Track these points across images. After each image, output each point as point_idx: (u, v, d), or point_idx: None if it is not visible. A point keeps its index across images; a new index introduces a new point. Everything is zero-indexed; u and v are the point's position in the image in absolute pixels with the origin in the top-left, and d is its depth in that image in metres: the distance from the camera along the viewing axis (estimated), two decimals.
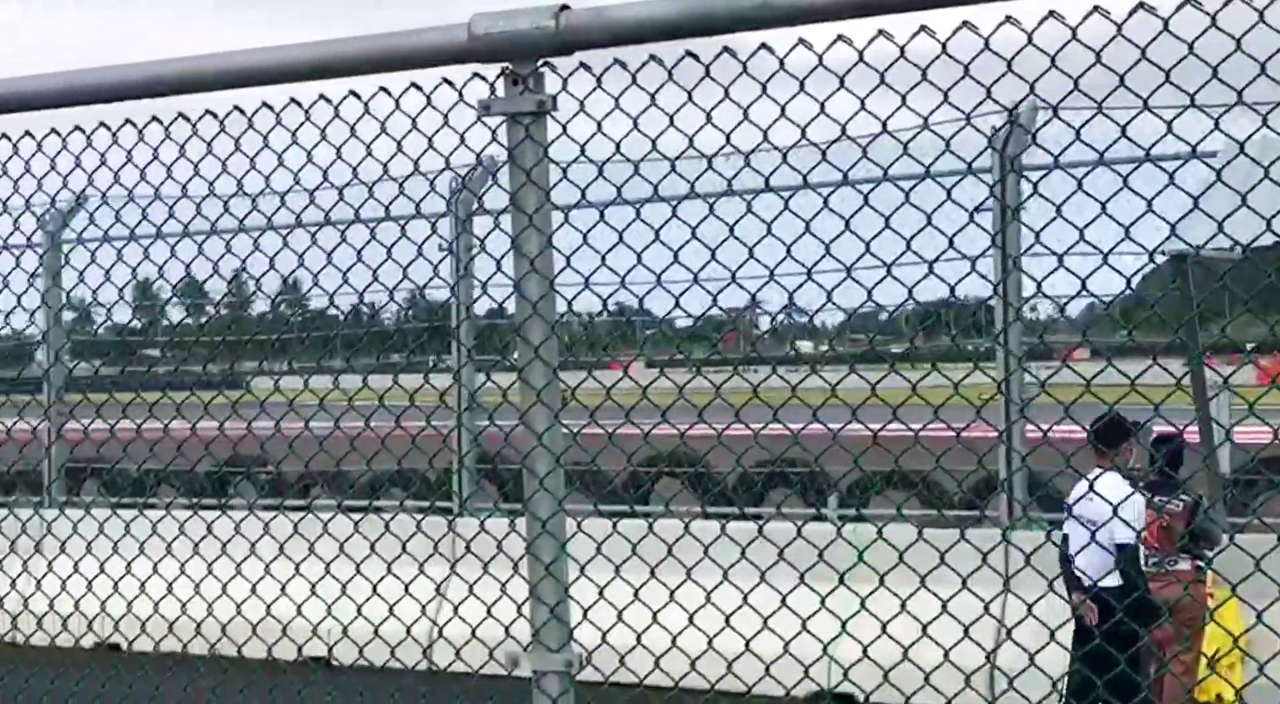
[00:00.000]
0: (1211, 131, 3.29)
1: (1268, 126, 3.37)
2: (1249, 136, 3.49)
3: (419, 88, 3.87)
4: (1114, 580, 8.24)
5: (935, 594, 3.68)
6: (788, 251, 3.66)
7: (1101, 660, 6.88)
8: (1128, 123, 3.31)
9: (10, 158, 4.51)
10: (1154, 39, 3.17)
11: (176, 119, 4.23)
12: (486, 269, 4.17)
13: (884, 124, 3.45)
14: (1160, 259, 3.38)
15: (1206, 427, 10.56)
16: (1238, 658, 8.65)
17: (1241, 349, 12.18)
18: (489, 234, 4.12)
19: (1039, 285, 3.53)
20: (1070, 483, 8.08)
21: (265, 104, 4.07)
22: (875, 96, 3.48)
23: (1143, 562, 8.77)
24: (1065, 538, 8.58)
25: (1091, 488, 7.50)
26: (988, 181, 9.29)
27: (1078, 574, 8.45)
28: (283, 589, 4.57)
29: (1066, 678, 7.92)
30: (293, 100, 4.03)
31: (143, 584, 4.82)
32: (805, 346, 17.01)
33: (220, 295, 5.64)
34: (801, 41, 3.39)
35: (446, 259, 9.23)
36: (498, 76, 3.64)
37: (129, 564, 4.94)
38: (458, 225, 11.61)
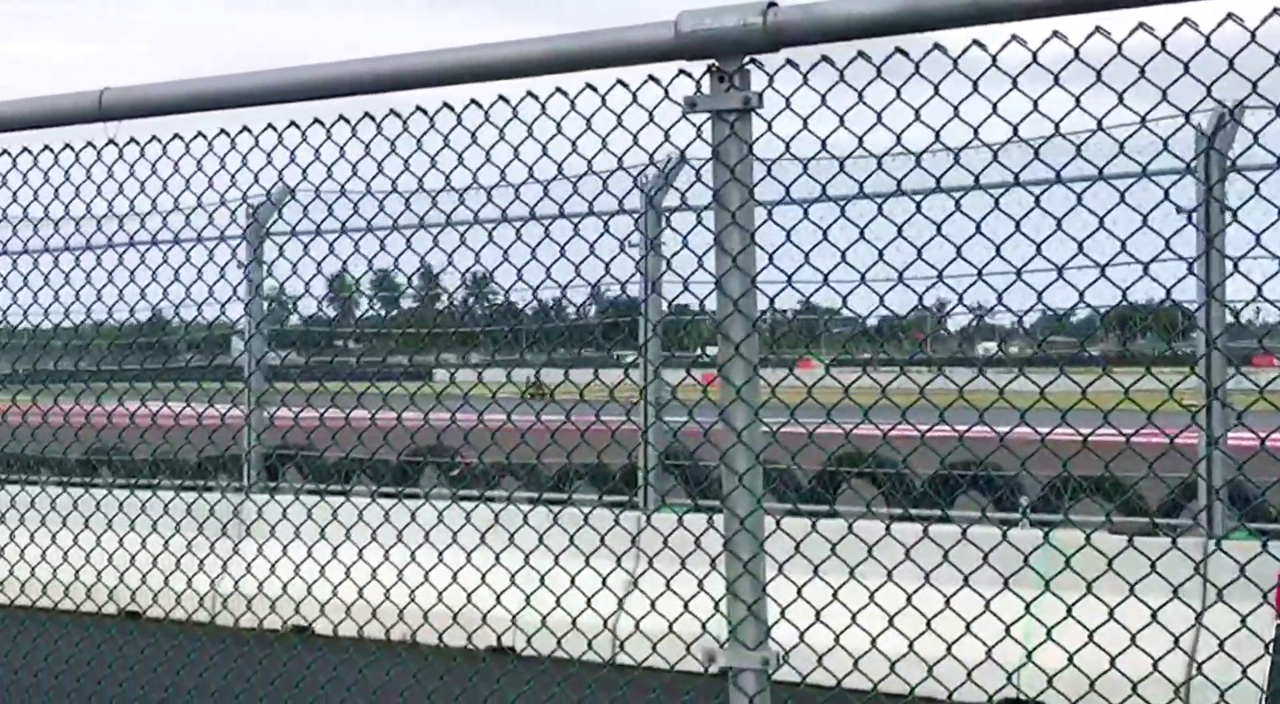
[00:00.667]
0: None
1: None
2: None
3: (625, 85, 3.89)
4: None
5: (1145, 602, 3.59)
6: (997, 251, 3.59)
7: None
8: None
9: (228, 152, 4.64)
10: None
11: (388, 115, 4.32)
12: (678, 266, 4.19)
13: (1099, 123, 3.37)
14: None
15: None
16: None
17: None
18: (690, 230, 4.11)
19: (1259, 289, 3.40)
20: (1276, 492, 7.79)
21: (474, 101, 4.13)
22: (1082, 95, 3.41)
23: None
24: None
25: None
26: (1199, 182, 9.05)
27: None
28: (482, 579, 4.64)
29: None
30: (501, 97, 4.08)
31: (348, 570, 4.92)
32: (990, 347, 16.73)
33: (417, 290, 5.74)
34: (1015, 38, 3.33)
35: (638, 254, 9.29)
36: (703, 74, 3.65)
37: (310, 548, 5.07)
38: (649, 222, 11.66)
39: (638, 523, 7.57)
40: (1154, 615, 3.55)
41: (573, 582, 4.30)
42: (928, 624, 3.72)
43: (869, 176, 3.73)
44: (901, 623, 3.78)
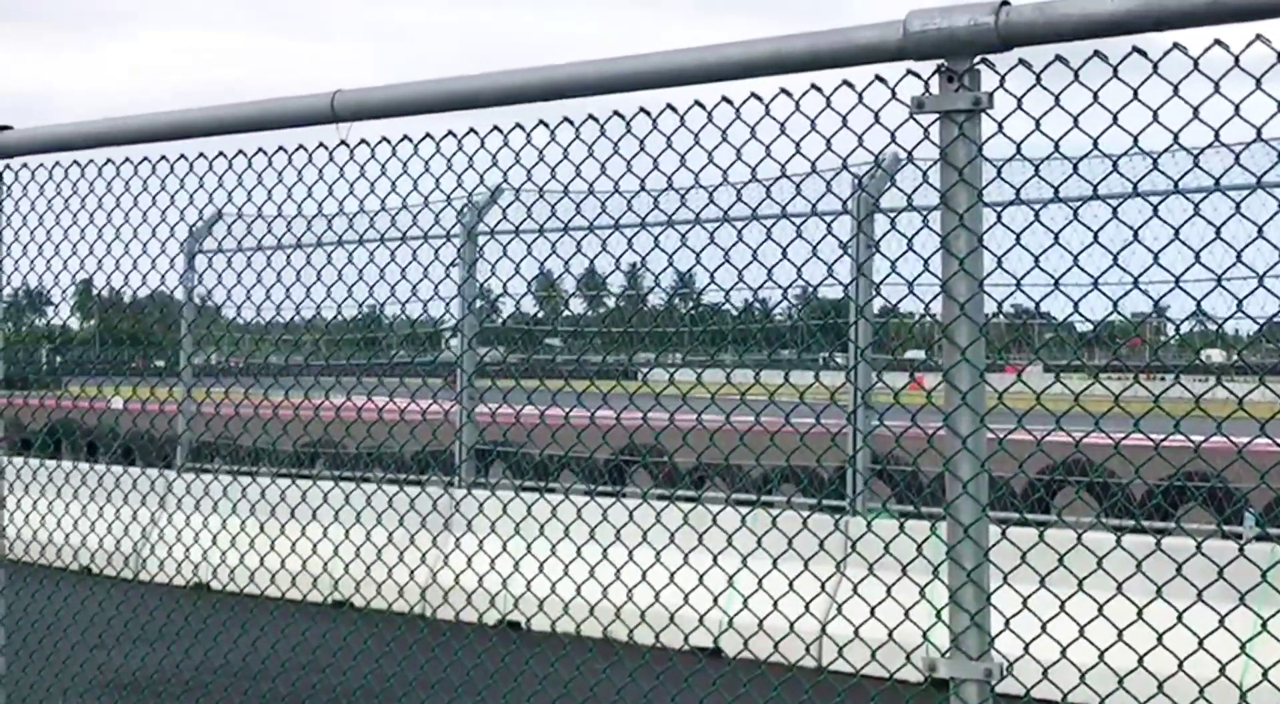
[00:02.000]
0: None
1: None
2: None
3: (850, 85, 3.86)
4: None
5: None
6: (1196, 257, 3.47)
7: None
8: None
9: (433, 155, 4.74)
10: None
11: (611, 117, 4.36)
12: (885, 267, 4.14)
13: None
14: None
15: None
16: None
17: None
18: (884, 233, 4.07)
19: None
20: None
21: (697, 102, 4.14)
22: None
23: None
24: None
25: None
26: None
27: None
28: (700, 580, 4.66)
29: None
30: (724, 98, 4.09)
31: (566, 567, 4.97)
32: (1215, 355, 16.22)
33: (619, 288, 5.79)
34: (1259, 38, 3.21)
35: (849, 255, 9.22)
36: (932, 74, 3.60)
37: (530, 545, 5.15)
38: (859, 223, 11.56)
39: (850, 527, 7.52)
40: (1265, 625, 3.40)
41: (790, 585, 4.28)
42: (1159, 640, 3.61)
43: (1104, 179, 3.65)
44: (1130, 637, 3.68)
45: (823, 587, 4.37)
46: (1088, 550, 3.77)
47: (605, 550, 4.84)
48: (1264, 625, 3.64)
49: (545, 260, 4.97)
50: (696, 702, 4.75)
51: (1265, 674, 3.54)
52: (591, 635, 5.76)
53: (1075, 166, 3.63)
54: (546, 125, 4.47)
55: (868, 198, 11.40)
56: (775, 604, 4.33)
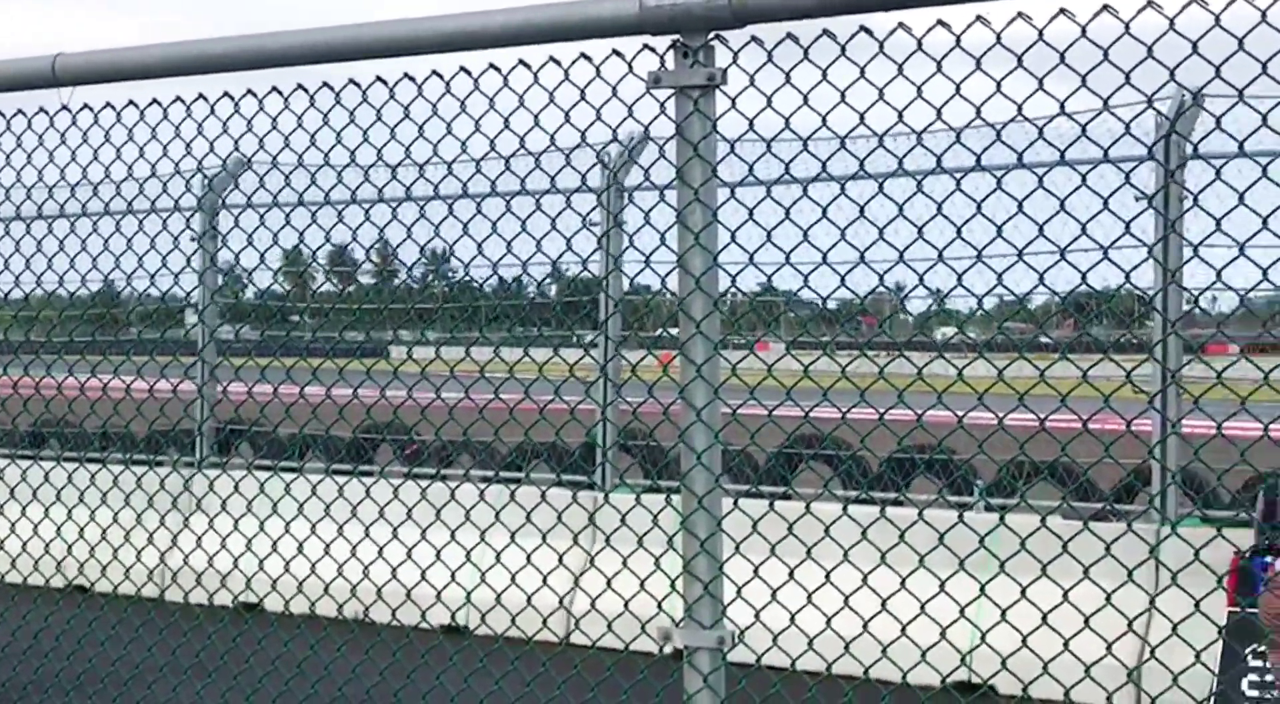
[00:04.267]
0: None
1: None
2: None
3: (589, 59, 3.85)
4: None
5: (1100, 586, 3.60)
6: (958, 233, 3.58)
7: None
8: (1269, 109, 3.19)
9: (184, 120, 4.58)
10: None
11: (347, 85, 4.26)
12: (645, 244, 4.16)
13: (1062, 106, 3.36)
14: None
15: None
16: None
17: None
18: (653, 208, 4.09)
19: (1219, 274, 3.40)
20: (1230, 480, 7.84)
21: (435, 72, 4.08)
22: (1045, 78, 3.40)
23: None
24: None
25: None
26: (1161, 166, 9.08)
27: None
28: (438, 556, 4.61)
29: None
30: (463, 68, 4.04)
31: (300, 546, 4.88)
32: (948, 331, 16.75)
33: (368, 264, 5.70)
34: (979, 19, 3.31)
35: (599, 233, 9.26)
36: (667, 49, 3.62)
37: (262, 524, 5.02)
38: (608, 199, 11.62)
39: (594, 502, 7.56)
40: (1108, 599, 3.56)
41: (529, 559, 4.27)
42: (882, 605, 3.72)
43: (831, 156, 3.72)
44: (856, 604, 3.78)
45: (560, 560, 4.37)
46: (817, 520, 3.85)
47: (341, 528, 4.77)
48: (982, 591, 3.78)
49: (278, 233, 4.83)
50: (434, 678, 4.71)
51: (984, 637, 3.67)
52: (334, 615, 5.66)
53: (805, 144, 3.69)
54: (280, 92, 4.35)
55: (614, 173, 11.46)
56: (514, 578, 4.33)
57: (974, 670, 3.90)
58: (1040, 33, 3.30)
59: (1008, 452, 3.92)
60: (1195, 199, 3.52)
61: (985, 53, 3.39)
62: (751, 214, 3.82)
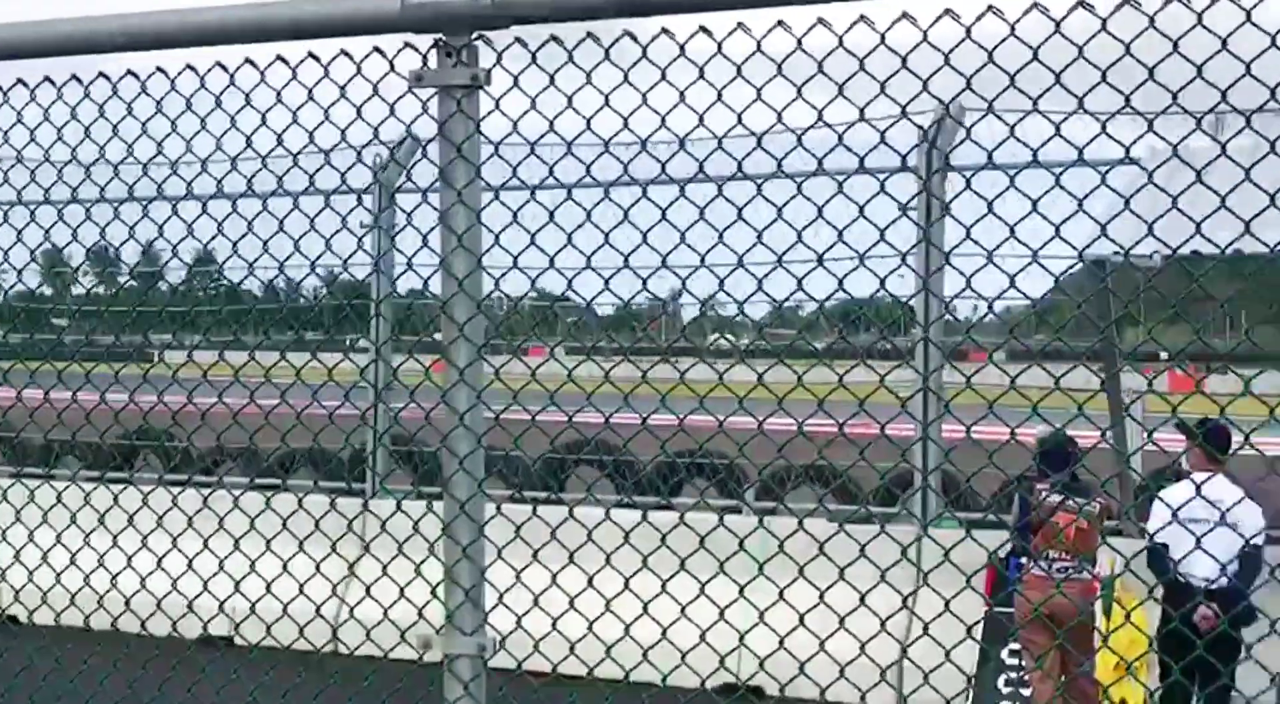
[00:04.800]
0: (1145, 134, 3.29)
1: (1202, 130, 3.36)
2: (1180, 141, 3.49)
3: (349, 56, 3.78)
4: (1228, 583, 8.32)
5: (854, 587, 3.67)
6: (720, 238, 3.61)
7: (1225, 659, 6.96)
8: (1061, 123, 3.30)
9: None
10: (1091, 39, 3.15)
11: (97, 78, 4.11)
12: (412, 247, 4.10)
13: (820, 114, 3.41)
14: (1081, 263, 3.36)
15: (1121, 432, 10.69)
16: (1144, 663, 8.72)
17: (1159, 356, 12.30)
18: (415, 208, 4.04)
19: (968, 282, 3.50)
20: (988, 483, 8.09)
21: (189, 67, 3.96)
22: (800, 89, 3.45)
23: (1048, 566, 8.83)
24: (1165, 546, 8.50)
25: (1198, 490, 7.63)
26: (919, 177, 9.36)
27: (1189, 580, 8.40)
28: (189, 565, 4.47)
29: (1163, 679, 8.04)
30: (218, 64, 3.92)
31: (44, 555, 4.69)
32: (727, 339, 17.01)
33: (133, 265, 5.51)
34: (740, 26, 3.34)
35: (370, 235, 9.13)
36: (430, 47, 3.57)
37: (31, 535, 4.83)
38: (382, 200, 11.49)
39: (355, 509, 7.41)
40: (862, 600, 3.63)
41: (284, 568, 4.16)
42: (644, 609, 3.72)
43: (595, 160, 3.72)
44: (619, 608, 3.78)
45: (318, 567, 4.26)
46: (580, 524, 3.85)
47: (87, 537, 4.59)
48: (741, 592, 3.81)
49: (21, 230, 4.62)
50: (186, 691, 4.57)
51: (742, 639, 3.71)
52: (81, 626, 5.45)
53: (569, 147, 3.68)
54: (25, 85, 4.17)
55: (393, 174, 11.34)
56: (269, 587, 4.22)
57: (729, 670, 3.94)
58: (799, 42, 3.34)
59: (788, 457, 3.97)
60: (946, 207, 3.59)
61: (746, 59, 3.43)
62: (515, 216, 3.79)
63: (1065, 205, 3.39)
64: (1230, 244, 3.33)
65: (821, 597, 3.57)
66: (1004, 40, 3.27)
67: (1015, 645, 9.52)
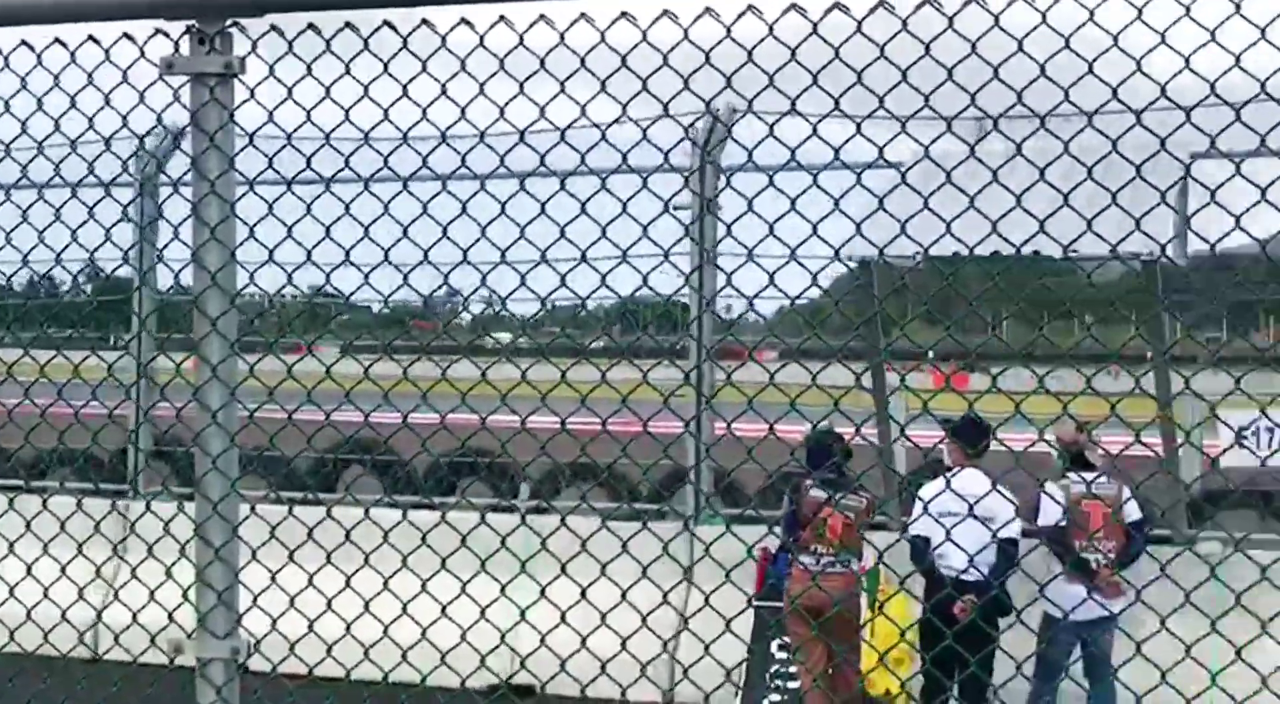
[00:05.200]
0: (896, 136, 3.36)
1: (953, 133, 3.45)
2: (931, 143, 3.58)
3: (97, 41, 3.64)
4: (987, 576, 8.53)
5: (616, 583, 3.67)
6: (483, 233, 3.57)
7: (978, 651, 7.08)
8: (818, 123, 3.35)
9: None
10: (846, 40, 3.21)
11: None
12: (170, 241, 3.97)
13: (583, 109, 3.41)
14: (845, 263, 3.42)
15: (885, 427, 10.96)
16: (905, 653, 8.95)
17: (920, 354, 12.65)
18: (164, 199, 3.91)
19: (728, 279, 3.53)
20: (758, 480, 8.20)
21: None
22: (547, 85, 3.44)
23: (814, 560, 9.00)
24: (925, 539, 8.67)
25: (949, 484, 7.76)
26: (684, 176, 9.43)
27: (948, 572, 8.58)
28: None
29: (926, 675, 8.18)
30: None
31: None
32: (504, 337, 16.95)
33: None
34: (503, 19, 3.31)
35: (127, 228, 8.83)
36: (182, 34, 3.46)
37: None
38: (139, 192, 11.13)
39: (105, 510, 7.17)
40: (623, 595, 3.63)
41: (29, 571, 4.00)
42: (403, 609, 3.67)
43: (353, 152, 3.64)
44: (379, 609, 3.72)
45: (63, 571, 4.10)
46: (338, 524, 3.77)
47: None
48: (503, 590, 3.79)
49: None
50: None
51: (503, 637, 3.69)
52: None
53: (328, 138, 3.60)
54: None
55: (150, 165, 11.01)
56: (12, 591, 4.05)
57: (491, 670, 3.91)
58: (561, 37, 3.33)
59: (559, 454, 3.94)
60: (706, 205, 3.62)
61: (509, 54, 3.40)
62: (272, 208, 3.70)
63: (831, 206, 3.44)
64: (976, 244, 3.42)
65: (583, 594, 3.56)
66: (761, 41, 3.30)
67: (785, 639, 9.69)
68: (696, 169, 9.11)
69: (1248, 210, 3.40)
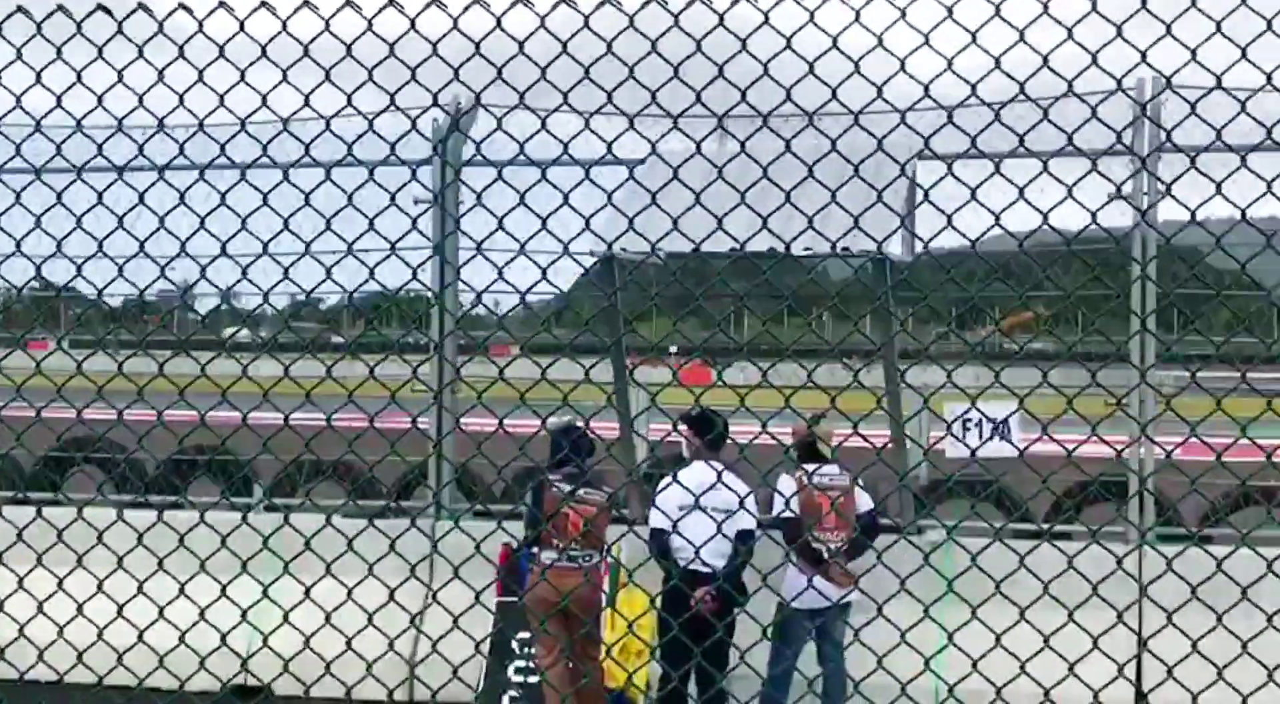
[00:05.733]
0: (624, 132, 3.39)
1: (679, 129, 3.50)
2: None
3: None
4: (723, 567, 8.62)
5: (342, 582, 3.63)
6: (244, 224, 3.48)
7: (719, 643, 7.10)
8: (546, 118, 3.36)
9: None
10: (573, 35, 3.22)
11: None
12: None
13: (306, 99, 3.35)
14: (575, 258, 3.44)
15: (626, 424, 11.05)
16: (643, 645, 9.03)
17: (664, 350, 12.82)
18: None
19: (457, 273, 3.51)
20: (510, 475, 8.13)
21: None
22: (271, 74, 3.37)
23: (556, 555, 9.00)
24: (666, 533, 8.64)
25: (676, 478, 7.76)
26: (411, 169, 9.29)
27: (690, 565, 8.59)
28: None
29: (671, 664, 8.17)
30: None
31: None
32: (243, 334, 16.56)
33: None
34: (223, 4, 3.23)
35: None
36: None
37: None
38: None
39: None
40: (349, 594, 3.59)
41: None
42: (160, 613, 3.58)
43: (106, 140, 3.51)
44: (134, 612, 3.62)
45: None
46: (90, 527, 3.65)
47: None
48: (265, 592, 3.71)
49: None
50: None
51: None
52: None
53: (38, 126, 3.46)
54: None
55: None
56: None
57: (251, 673, 3.83)
58: (284, 25, 3.27)
59: (294, 451, 3.86)
60: (438, 197, 3.60)
61: (229, 40, 3.32)
62: (19, 198, 3.54)
63: (582, 203, 3.46)
64: (704, 240, 3.46)
65: (307, 592, 3.51)
66: (533, 34, 3.29)
67: (525, 634, 9.68)
68: (425, 162, 8.97)
69: (958, 210, 3.54)
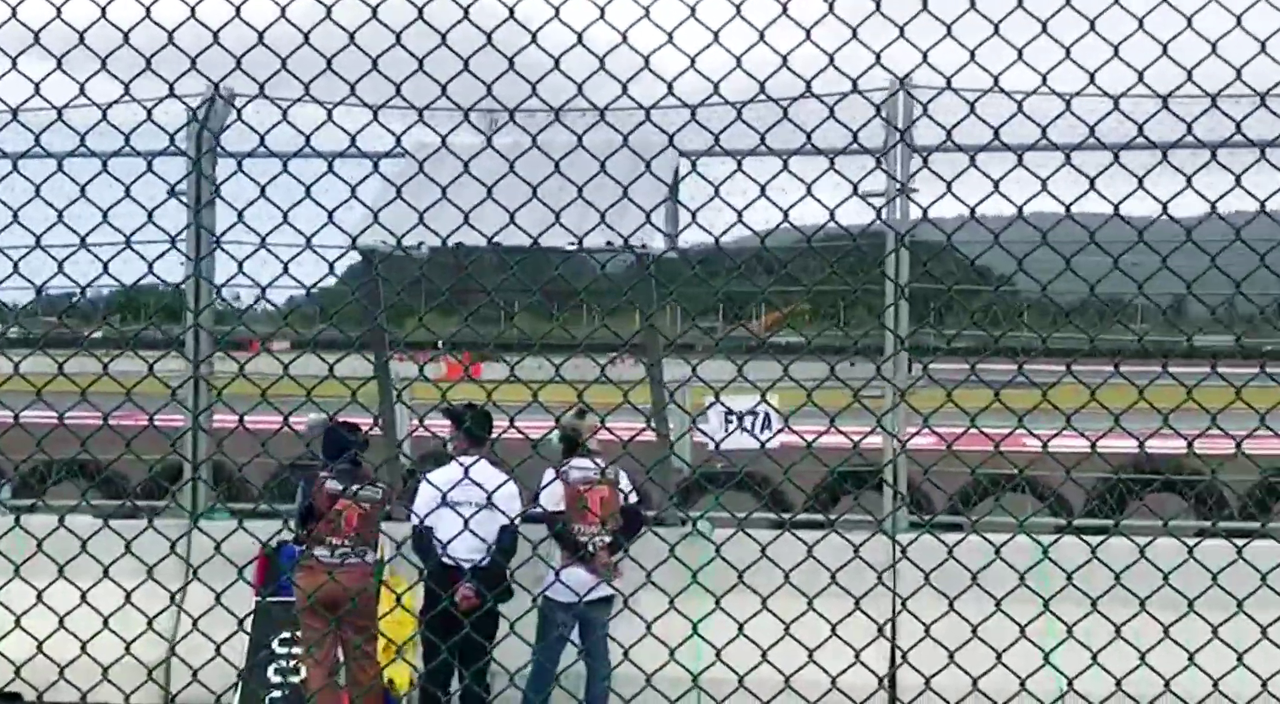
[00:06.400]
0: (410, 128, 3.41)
1: (471, 124, 3.54)
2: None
3: None
4: (485, 561, 8.65)
5: (76, 585, 3.59)
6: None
7: (486, 634, 7.12)
8: (287, 110, 3.35)
9: None
10: (362, 26, 3.24)
11: None
12: None
13: (81, 88, 3.29)
14: (318, 253, 3.43)
15: (390, 419, 10.99)
16: (412, 643, 9.00)
17: (433, 345, 12.75)
18: None
19: (239, 266, 3.49)
20: (263, 472, 8.01)
21: None
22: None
23: (329, 553, 8.91)
24: (429, 528, 8.62)
25: (466, 473, 7.71)
26: (190, 160, 9.07)
27: (448, 560, 8.54)
28: None
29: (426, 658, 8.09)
30: None
31: None
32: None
33: None
34: None
35: None
36: None
37: None
38: None
39: None
40: (83, 597, 3.55)
41: None
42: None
43: None
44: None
45: None
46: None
47: None
48: (39, 598, 3.64)
49: None
50: None
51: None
52: None
53: None
54: None
55: None
56: None
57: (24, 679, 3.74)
58: (59, 12, 3.21)
59: (56, 451, 3.78)
60: (217, 190, 3.58)
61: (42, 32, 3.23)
62: None
63: (346, 194, 3.46)
64: (493, 235, 3.51)
65: (40, 596, 3.47)
66: (273, 23, 3.27)
67: (285, 634, 9.55)
68: (207, 151, 8.78)
69: (701, 206, 3.68)
